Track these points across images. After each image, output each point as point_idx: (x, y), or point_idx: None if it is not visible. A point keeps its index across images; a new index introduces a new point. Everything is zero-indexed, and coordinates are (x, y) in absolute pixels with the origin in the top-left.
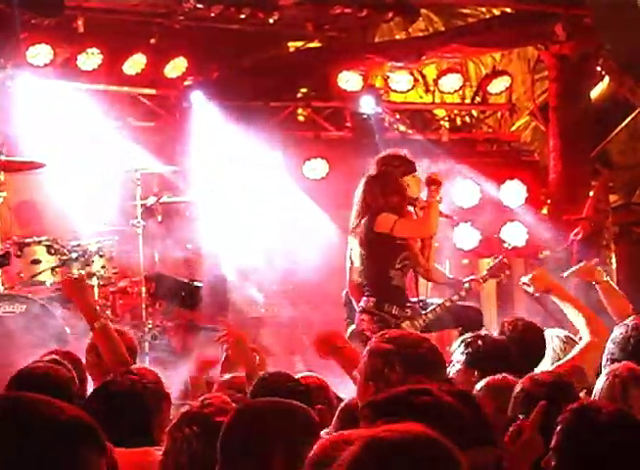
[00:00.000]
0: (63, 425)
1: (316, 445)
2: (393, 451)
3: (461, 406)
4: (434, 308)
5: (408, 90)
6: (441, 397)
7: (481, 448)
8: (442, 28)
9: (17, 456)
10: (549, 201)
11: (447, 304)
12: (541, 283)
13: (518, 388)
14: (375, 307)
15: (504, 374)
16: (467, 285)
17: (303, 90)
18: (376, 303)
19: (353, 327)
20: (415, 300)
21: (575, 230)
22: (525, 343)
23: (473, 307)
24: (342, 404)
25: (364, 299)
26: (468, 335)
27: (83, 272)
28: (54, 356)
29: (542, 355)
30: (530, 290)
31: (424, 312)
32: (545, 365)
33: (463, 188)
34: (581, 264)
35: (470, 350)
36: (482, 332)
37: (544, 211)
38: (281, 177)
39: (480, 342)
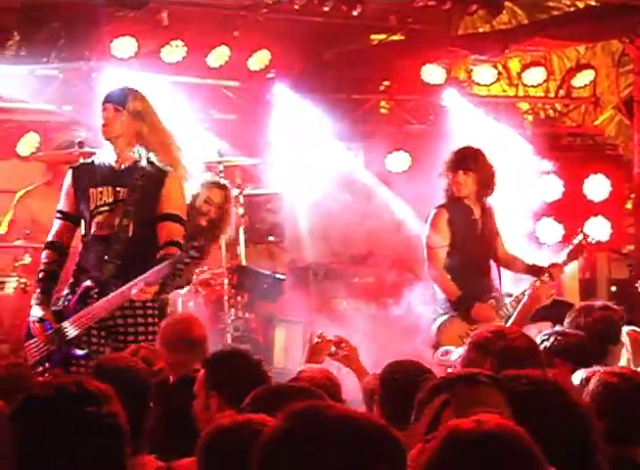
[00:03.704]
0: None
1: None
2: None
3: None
4: (517, 297)
5: (492, 83)
6: None
7: None
8: (526, 21)
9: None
10: (633, 195)
11: (529, 291)
12: None
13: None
14: None
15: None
16: (546, 275)
17: (386, 83)
18: None
19: (443, 319)
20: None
21: None
22: (599, 333)
23: (565, 302)
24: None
25: None
26: (545, 331)
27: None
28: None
29: (616, 343)
30: None
31: (507, 301)
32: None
33: (546, 182)
34: None
35: (544, 346)
36: (558, 328)
37: (628, 205)
38: (363, 170)
39: (555, 338)
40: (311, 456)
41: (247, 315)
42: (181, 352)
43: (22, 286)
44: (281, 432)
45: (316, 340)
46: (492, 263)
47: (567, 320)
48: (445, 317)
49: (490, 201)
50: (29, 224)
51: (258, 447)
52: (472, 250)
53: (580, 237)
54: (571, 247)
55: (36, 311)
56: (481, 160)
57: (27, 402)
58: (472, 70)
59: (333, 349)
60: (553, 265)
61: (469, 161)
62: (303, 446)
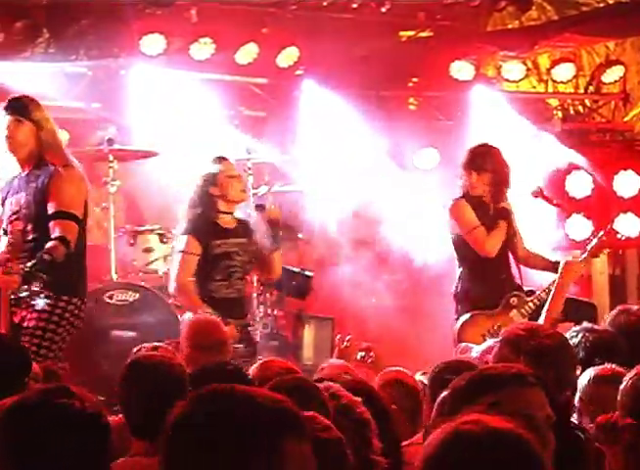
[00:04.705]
0: (261, 413)
1: None
2: (478, 448)
3: None
4: (539, 294)
5: (521, 79)
6: None
7: None
8: (555, 17)
9: (215, 445)
10: None
11: (551, 288)
12: None
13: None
14: None
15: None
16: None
17: (415, 79)
18: None
19: (466, 317)
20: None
21: None
22: (636, 334)
23: (586, 302)
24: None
25: None
26: (574, 328)
27: None
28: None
29: None
30: None
31: (529, 299)
32: None
33: (576, 178)
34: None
35: (573, 343)
36: (587, 325)
37: None
38: (391, 167)
39: (584, 335)
40: (206, 436)
41: (275, 312)
42: (213, 350)
43: None
44: (180, 416)
45: (345, 344)
46: (512, 261)
47: (606, 321)
48: (467, 315)
49: (508, 199)
50: None
51: (162, 435)
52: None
53: (601, 233)
54: (592, 244)
55: None
56: (496, 158)
57: (14, 409)
58: (501, 67)
59: (359, 355)
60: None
61: (482, 160)
62: (201, 426)
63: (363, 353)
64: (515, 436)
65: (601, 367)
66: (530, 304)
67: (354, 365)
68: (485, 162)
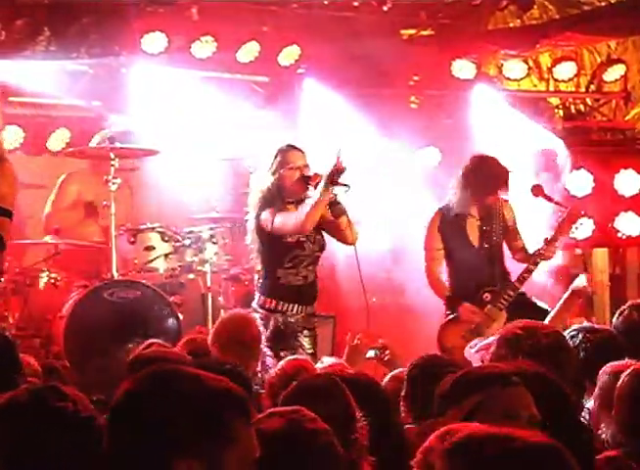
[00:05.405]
0: (210, 393)
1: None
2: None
3: None
4: (513, 284)
5: (522, 78)
6: None
7: None
8: (557, 16)
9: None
10: None
11: (525, 276)
12: None
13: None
14: None
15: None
16: (538, 260)
17: (416, 78)
18: None
19: (447, 319)
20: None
21: None
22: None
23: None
24: None
25: None
26: (573, 327)
27: (196, 259)
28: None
29: None
30: None
31: (503, 291)
32: None
33: (576, 177)
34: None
35: (573, 342)
36: (587, 324)
37: None
38: (393, 166)
39: (584, 335)
40: (153, 411)
41: None
42: (233, 352)
43: (53, 281)
44: (126, 394)
45: (356, 341)
46: (497, 258)
47: (617, 318)
48: (450, 317)
49: (504, 196)
50: (70, 206)
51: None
52: (467, 252)
53: (569, 208)
54: (559, 220)
55: None
56: (502, 174)
57: (4, 408)
58: (502, 65)
59: (371, 352)
60: (545, 245)
61: (499, 184)
62: (144, 403)
63: (377, 351)
64: (548, 448)
65: (620, 363)
66: (505, 296)
67: (367, 363)
68: (493, 183)
